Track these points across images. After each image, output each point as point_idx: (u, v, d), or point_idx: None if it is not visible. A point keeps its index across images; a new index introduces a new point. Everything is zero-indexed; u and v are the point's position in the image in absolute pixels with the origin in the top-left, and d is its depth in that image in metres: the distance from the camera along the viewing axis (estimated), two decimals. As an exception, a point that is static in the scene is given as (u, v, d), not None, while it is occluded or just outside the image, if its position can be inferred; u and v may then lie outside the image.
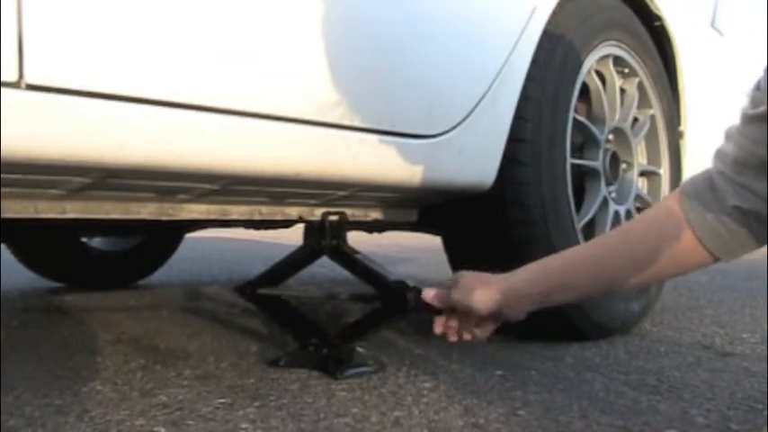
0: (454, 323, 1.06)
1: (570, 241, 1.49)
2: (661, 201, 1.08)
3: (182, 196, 1.16)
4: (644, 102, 1.83)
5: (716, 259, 0.90)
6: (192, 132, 0.96)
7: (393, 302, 1.24)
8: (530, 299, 1.00)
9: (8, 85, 0.79)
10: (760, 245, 0.89)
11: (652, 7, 1.83)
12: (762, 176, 0.82)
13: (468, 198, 1.42)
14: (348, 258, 1.32)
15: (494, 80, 1.35)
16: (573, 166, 1.56)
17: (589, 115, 1.67)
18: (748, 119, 0.83)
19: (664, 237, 0.91)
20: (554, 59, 1.49)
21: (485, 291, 0.99)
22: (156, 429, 0.98)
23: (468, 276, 1.04)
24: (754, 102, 0.82)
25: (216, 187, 1.11)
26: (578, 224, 1.55)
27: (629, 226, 1.06)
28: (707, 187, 0.89)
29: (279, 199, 1.29)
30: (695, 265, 0.92)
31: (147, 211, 1.16)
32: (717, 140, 0.92)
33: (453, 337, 1.07)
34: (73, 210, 1.10)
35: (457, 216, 1.52)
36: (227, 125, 0.99)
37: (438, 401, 1.11)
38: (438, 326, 1.08)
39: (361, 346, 1.33)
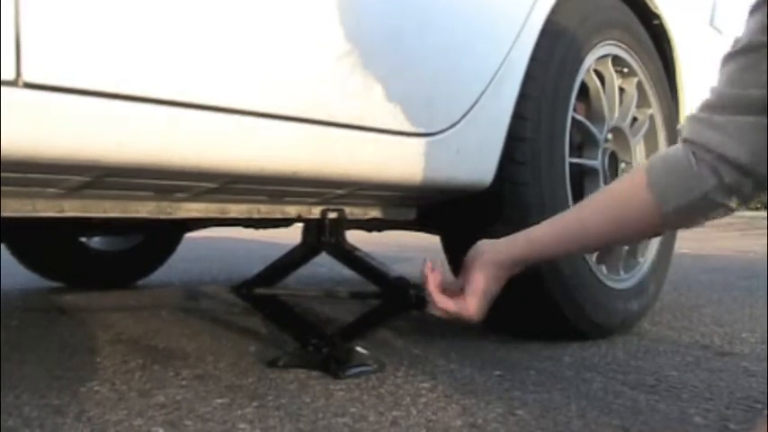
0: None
1: (569, 241, 1.49)
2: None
3: (180, 195, 1.16)
4: (643, 101, 1.83)
5: (663, 214, 0.90)
6: (190, 131, 0.96)
7: (395, 299, 1.24)
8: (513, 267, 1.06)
9: (6, 83, 0.79)
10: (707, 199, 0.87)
11: (651, 6, 1.83)
12: (728, 113, 0.82)
13: (466, 197, 1.41)
14: (348, 255, 1.32)
15: (492, 78, 1.35)
16: (572, 165, 1.56)
17: (588, 114, 1.67)
18: (724, 60, 0.84)
19: (626, 192, 0.95)
20: (553, 58, 1.49)
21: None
22: (154, 429, 0.98)
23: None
24: (733, 44, 0.83)
25: (214, 186, 1.11)
26: (577, 223, 1.55)
27: (599, 195, 1.09)
28: (672, 148, 0.92)
29: (277, 197, 1.29)
30: (650, 221, 0.93)
31: (145, 209, 1.16)
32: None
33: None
34: (71, 208, 1.10)
35: (455, 215, 1.52)
36: (225, 123, 0.99)
37: (436, 401, 1.11)
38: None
39: (360, 346, 1.32)
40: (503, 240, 1.07)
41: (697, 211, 0.89)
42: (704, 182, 0.86)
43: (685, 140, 0.88)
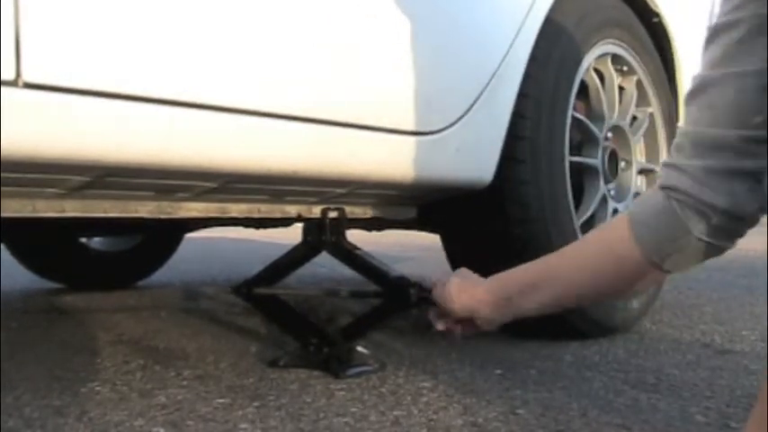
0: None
1: (569, 239, 1.49)
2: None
3: (180, 194, 1.16)
4: (643, 100, 1.83)
5: (652, 262, 0.84)
6: (190, 131, 0.96)
7: (396, 298, 1.24)
8: (507, 315, 1.01)
9: (6, 83, 0.79)
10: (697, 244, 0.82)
11: (650, 4, 1.83)
12: (697, 154, 0.79)
13: (466, 196, 1.41)
14: (349, 254, 1.32)
15: (491, 77, 1.35)
16: (572, 163, 1.56)
17: (588, 113, 1.67)
18: (684, 103, 0.83)
19: (613, 247, 0.88)
20: (552, 57, 1.49)
21: (465, 300, 1.03)
22: (154, 430, 0.98)
23: (454, 282, 1.05)
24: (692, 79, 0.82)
25: (214, 185, 1.11)
26: (577, 222, 1.55)
27: (584, 243, 1.01)
28: (651, 191, 0.87)
29: (278, 197, 1.29)
30: (639, 274, 0.87)
31: (145, 209, 1.16)
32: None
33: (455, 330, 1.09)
34: (71, 208, 1.10)
35: (455, 214, 1.52)
36: (225, 123, 0.99)
37: (437, 401, 1.11)
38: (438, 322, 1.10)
39: (361, 346, 1.32)
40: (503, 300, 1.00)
41: (692, 254, 0.84)
42: (693, 226, 0.81)
43: (663, 187, 0.83)
